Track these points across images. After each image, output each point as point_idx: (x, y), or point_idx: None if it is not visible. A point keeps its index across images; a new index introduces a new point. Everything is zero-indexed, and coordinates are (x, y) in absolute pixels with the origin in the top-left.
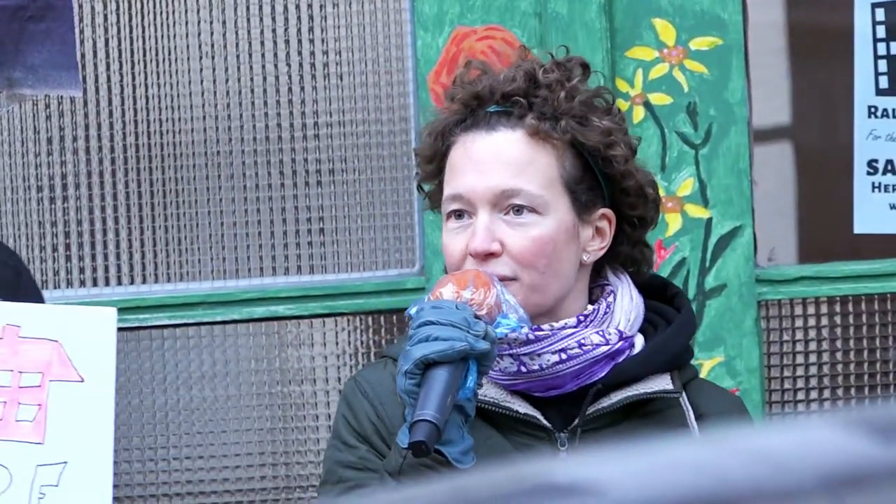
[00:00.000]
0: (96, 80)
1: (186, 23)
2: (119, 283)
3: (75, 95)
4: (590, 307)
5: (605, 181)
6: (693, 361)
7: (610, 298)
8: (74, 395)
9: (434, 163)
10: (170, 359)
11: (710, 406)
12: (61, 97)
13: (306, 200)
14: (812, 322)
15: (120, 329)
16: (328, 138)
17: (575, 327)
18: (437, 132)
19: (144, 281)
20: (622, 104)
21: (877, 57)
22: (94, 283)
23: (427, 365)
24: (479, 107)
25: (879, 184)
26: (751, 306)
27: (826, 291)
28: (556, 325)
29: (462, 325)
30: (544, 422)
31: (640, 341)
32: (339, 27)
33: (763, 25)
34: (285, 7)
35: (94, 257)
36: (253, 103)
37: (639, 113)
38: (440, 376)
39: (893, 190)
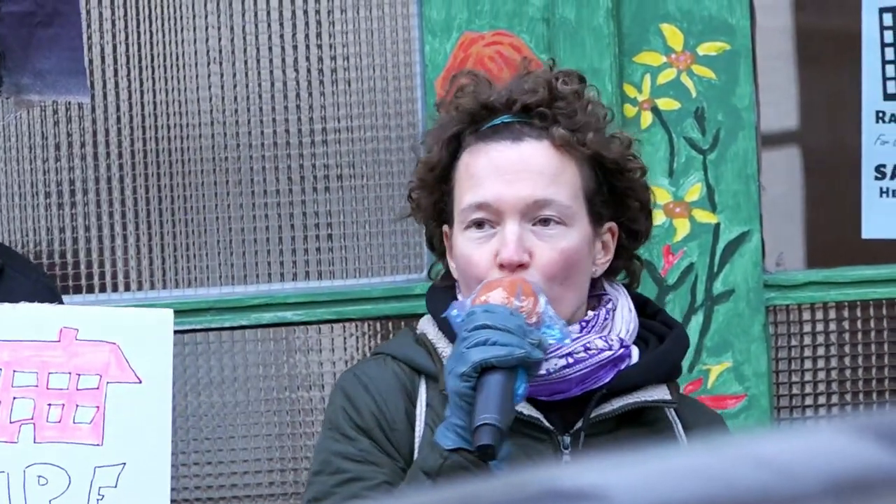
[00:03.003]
0: (104, 86)
1: (194, 28)
2: (127, 289)
3: (83, 101)
4: (590, 313)
5: (615, 194)
6: (701, 366)
7: (609, 306)
8: (132, 397)
9: (436, 171)
10: (178, 365)
11: (695, 420)
12: (69, 103)
13: (314, 206)
14: (820, 327)
15: None
16: (336, 144)
17: (579, 333)
18: (443, 140)
19: (152, 287)
20: (630, 109)
21: (884, 62)
22: (102, 290)
23: (483, 369)
24: (488, 116)
25: (887, 189)
26: (759, 311)
27: (834, 297)
28: None
29: (517, 332)
30: (546, 424)
31: (635, 353)
32: (346, 32)
33: (771, 30)
34: (293, 13)
35: (101, 263)
36: (261, 109)
37: (647, 118)
38: (499, 381)
39: None
